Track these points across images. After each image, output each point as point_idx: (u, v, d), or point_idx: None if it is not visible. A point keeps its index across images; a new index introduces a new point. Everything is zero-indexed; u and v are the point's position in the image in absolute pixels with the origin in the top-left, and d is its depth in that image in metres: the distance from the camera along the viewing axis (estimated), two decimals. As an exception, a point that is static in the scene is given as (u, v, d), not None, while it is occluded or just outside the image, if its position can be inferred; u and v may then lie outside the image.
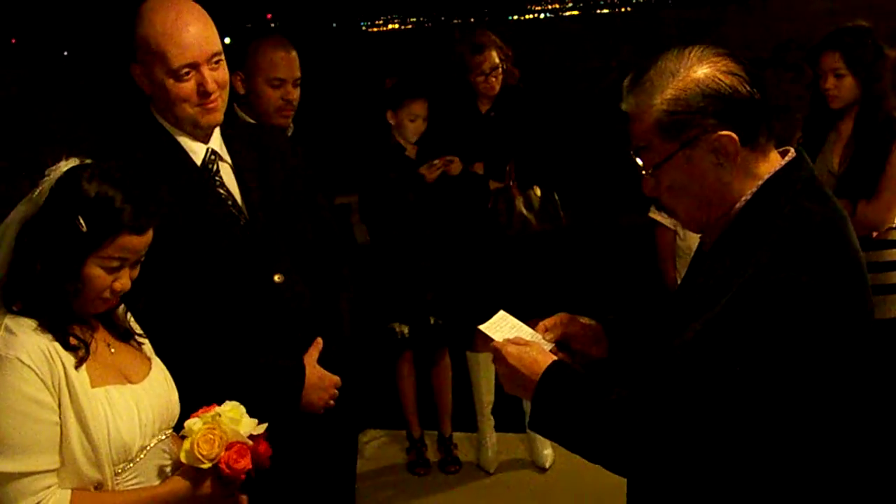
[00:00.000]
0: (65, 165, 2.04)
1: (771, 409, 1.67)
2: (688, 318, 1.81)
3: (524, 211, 4.44)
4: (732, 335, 1.68)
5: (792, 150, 1.86)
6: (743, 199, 1.81)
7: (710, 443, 1.70)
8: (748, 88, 1.78)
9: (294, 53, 3.51)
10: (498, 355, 1.98)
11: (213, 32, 2.51)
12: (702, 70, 1.78)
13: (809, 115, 4.05)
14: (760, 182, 1.81)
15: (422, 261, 4.47)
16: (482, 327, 2.12)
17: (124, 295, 2.11)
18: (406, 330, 4.50)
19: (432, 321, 4.49)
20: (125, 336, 2.19)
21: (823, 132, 3.95)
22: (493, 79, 4.46)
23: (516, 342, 2.00)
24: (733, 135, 1.76)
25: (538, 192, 4.48)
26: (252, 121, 3.43)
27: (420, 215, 4.43)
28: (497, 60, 4.45)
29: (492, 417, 4.71)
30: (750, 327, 1.67)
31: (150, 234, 2.06)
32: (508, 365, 1.95)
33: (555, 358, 1.95)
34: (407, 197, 4.38)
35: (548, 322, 2.16)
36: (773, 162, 1.83)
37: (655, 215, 4.27)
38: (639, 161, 1.86)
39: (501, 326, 2.12)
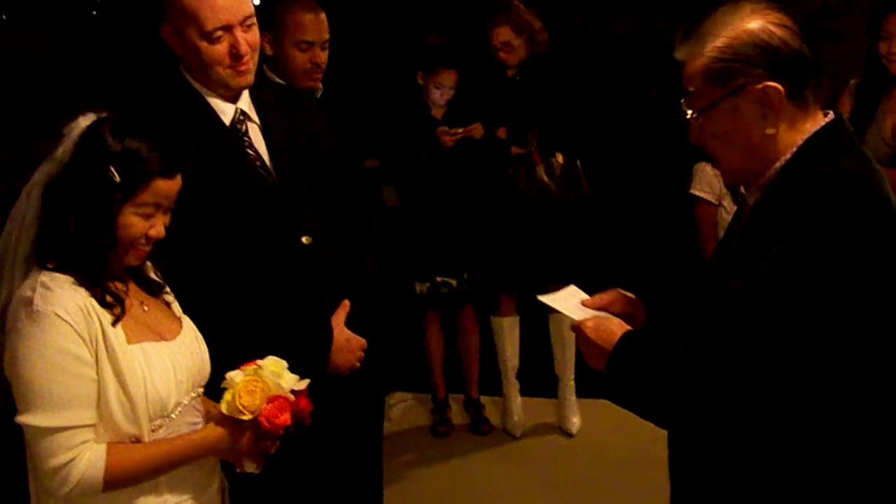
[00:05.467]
0: (84, 121, 2.04)
1: (820, 364, 1.68)
2: (729, 276, 1.83)
3: (545, 178, 4.41)
4: (777, 290, 1.70)
5: (831, 112, 1.88)
6: (783, 158, 1.83)
7: (768, 399, 1.71)
8: (799, 43, 1.81)
9: (322, 15, 3.48)
10: (579, 333, 2.01)
11: (246, -7, 2.50)
12: (755, 22, 1.81)
13: (863, 82, 3.96)
14: (803, 138, 1.82)
15: (438, 221, 4.48)
16: (544, 298, 2.13)
17: (151, 255, 2.13)
18: (425, 289, 4.52)
19: (439, 280, 4.50)
20: (156, 291, 2.20)
21: (875, 100, 3.86)
22: (504, 54, 4.42)
23: (595, 318, 2.01)
24: (779, 86, 1.78)
25: (560, 159, 4.45)
26: (281, 81, 3.42)
27: (434, 176, 4.43)
28: (507, 37, 4.39)
29: (517, 382, 4.72)
30: (794, 282, 1.68)
31: (179, 179, 2.07)
32: (588, 340, 1.97)
33: (629, 328, 1.97)
34: (421, 156, 4.38)
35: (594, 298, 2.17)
36: (817, 120, 1.85)
37: (697, 191, 4.09)
38: (687, 109, 1.88)
39: (566, 299, 2.13)
